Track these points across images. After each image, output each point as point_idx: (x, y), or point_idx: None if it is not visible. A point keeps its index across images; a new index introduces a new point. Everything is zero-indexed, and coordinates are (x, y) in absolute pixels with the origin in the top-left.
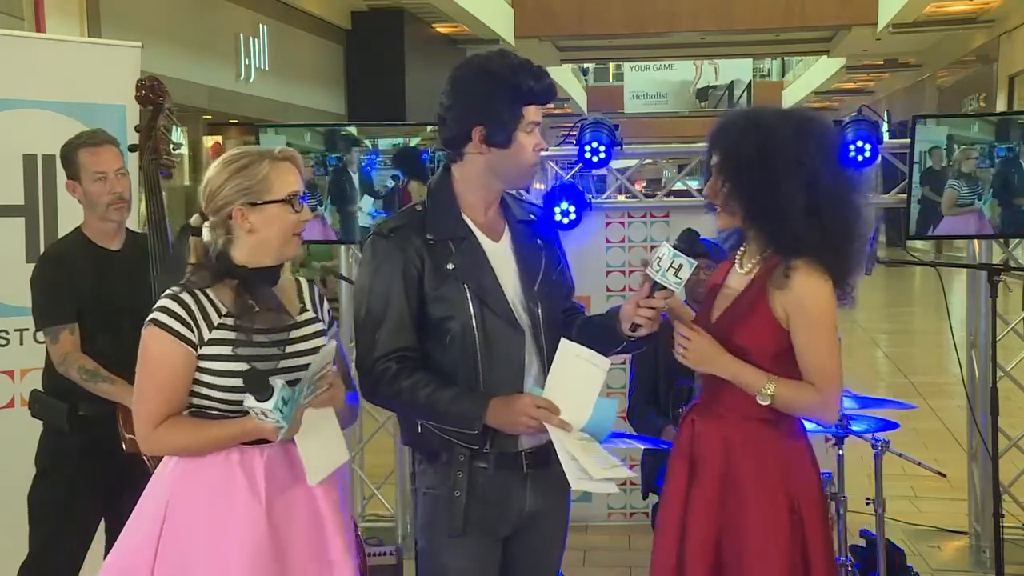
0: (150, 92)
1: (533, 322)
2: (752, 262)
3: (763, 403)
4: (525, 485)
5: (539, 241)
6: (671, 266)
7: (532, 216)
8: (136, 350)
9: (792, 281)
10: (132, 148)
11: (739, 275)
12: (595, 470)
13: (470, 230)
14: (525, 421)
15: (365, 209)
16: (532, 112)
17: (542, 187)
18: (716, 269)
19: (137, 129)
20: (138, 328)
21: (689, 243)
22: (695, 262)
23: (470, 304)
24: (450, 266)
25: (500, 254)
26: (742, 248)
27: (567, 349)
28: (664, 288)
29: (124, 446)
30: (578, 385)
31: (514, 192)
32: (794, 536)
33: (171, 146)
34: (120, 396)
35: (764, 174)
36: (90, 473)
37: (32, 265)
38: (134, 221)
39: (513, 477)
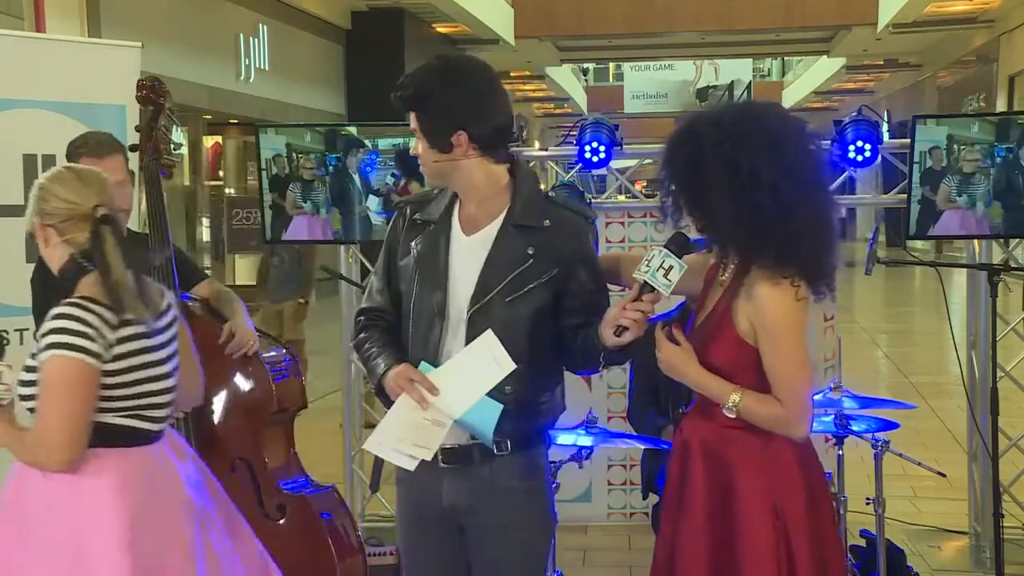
0: (151, 92)
1: (473, 322)
2: (728, 271)
3: (729, 415)
4: (442, 480)
5: (530, 250)
6: (661, 267)
7: (546, 223)
8: None
9: (753, 292)
10: (132, 148)
11: (718, 284)
12: (392, 439)
13: (449, 218)
14: (393, 387)
15: (373, 208)
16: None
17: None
18: (710, 265)
19: (137, 129)
20: None
21: (679, 246)
22: (685, 265)
23: (415, 284)
24: (413, 245)
25: (466, 248)
26: (722, 255)
27: (483, 341)
28: (653, 291)
29: None
30: (473, 376)
31: (552, 195)
32: (779, 543)
33: (171, 146)
34: None
35: (698, 181)
36: None
37: (32, 265)
38: (136, 221)
39: (428, 467)
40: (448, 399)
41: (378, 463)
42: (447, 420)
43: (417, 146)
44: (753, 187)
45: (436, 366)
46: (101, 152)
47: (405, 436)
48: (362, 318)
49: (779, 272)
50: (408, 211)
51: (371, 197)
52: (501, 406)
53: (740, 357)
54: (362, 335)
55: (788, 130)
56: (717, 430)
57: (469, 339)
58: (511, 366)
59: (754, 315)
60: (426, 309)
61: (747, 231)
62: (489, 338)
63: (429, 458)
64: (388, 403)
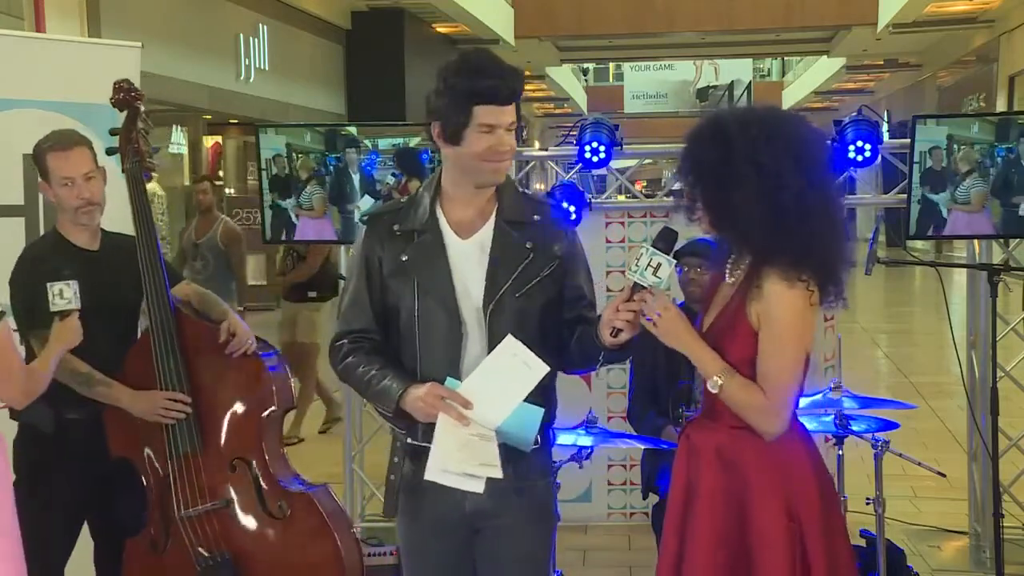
0: (128, 95)
1: (491, 321)
2: (738, 272)
3: (712, 391)
4: None
5: (528, 245)
6: (649, 265)
7: (537, 217)
8: (124, 350)
9: (763, 290)
10: (110, 151)
11: (727, 286)
12: (454, 463)
13: (436, 224)
14: (422, 408)
15: (363, 208)
16: (483, 113)
17: (542, 187)
18: (711, 273)
19: (113, 133)
20: (124, 329)
21: (667, 241)
22: (674, 260)
23: (415, 295)
24: (404, 257)
25: (464, 251)
26: (732, 256)
27: (507, 347)
28: (644, 289)
29: (111, 449)
30: (505, 384)
31: (527, 191)
32: (793, 543)
33: (151, 148)
34: (117, 399)
35: (722, 180)
36: (75, 476)
37: None
38: (126, 223)
39: None
40: (483, 411)
41: (393, 485)
42: (491, 432)
43: (508, 140)
44: (777, 189)
45: (458, 376)
46: (67, 144)
47: (465, 457)
48: (344, 342)
49: (794, 274)
50: (383, 224)
51: (365, 197)
52: (542, 410)
53: (754, 353)
54: (349, 360)
55: (811, 136)
56: (728, 433)
57: (491, 339)
58: (543, 368)
59: (762, 311)
60: (436, 319)
61: (768, 232)
62: (512, 343)
63: (500, 475)
64: (406, 425)
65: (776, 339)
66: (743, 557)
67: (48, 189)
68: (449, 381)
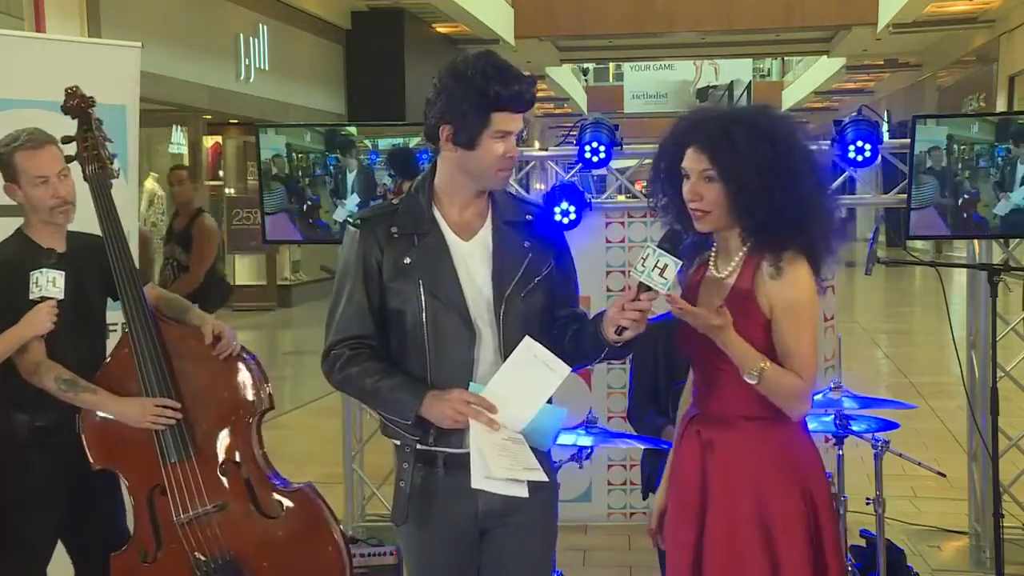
0: (82, 102)
1: (498, 323)
2: (732, 263)
3: (750, 381)
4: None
5: (526, 244)
6: (656, 266)
7: (529, 217)
8: (91, 353)
9: (783, 273)
10: (68, 160)
11: (716, 279)
12: (499, 469)
13: (437, 226)
14: (451, 415)
15: (348, 207)
16: (501, 119)
17: (542, 187)
18: (688, 272)
19: (67, 140)
20: (93, 332)
21: (673, 243)
22: (680, 262)
23: (422, 299)
24: (407, 260)
25: (468, 253)
26: (713, 250)
27: (527, 348)
28: (649, 289)
29: (92, 461)
30: (528, 386)
31: (514, 191)
32: (810, 526)
33: (110, 154)
34: (103, 405)
35: (776, 177)
36: (49, 488)
37: None
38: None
39: (463, 478)
40: (507, 414)
41: (402, 492)
42: (520, 436)
43: (503, 148)
44: (803, 184)
45: (473, 377)
46: (39, 142)
47: (505, 463)
48: (343, 349)
49: (804, 258)
50: (379, 226)
51: (352, 195)
52: (564, 411)
53: (768, 339)
54: (351, 369)
55: (807, 139)
56: (743, 425)
57: (504, 339)
58: (565, 368)
59: (779, 295)
60: (447, 321)
61: (796, 223)
62: (531, 345)
63: (544, 478)
64: (423, 433)
65: (801, 321)
66: (765, 546)
67: (16, 191)
68: (472, 386)
